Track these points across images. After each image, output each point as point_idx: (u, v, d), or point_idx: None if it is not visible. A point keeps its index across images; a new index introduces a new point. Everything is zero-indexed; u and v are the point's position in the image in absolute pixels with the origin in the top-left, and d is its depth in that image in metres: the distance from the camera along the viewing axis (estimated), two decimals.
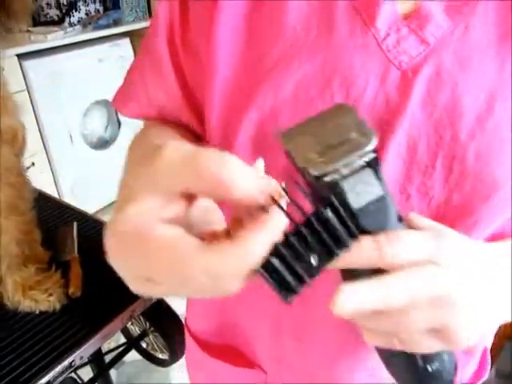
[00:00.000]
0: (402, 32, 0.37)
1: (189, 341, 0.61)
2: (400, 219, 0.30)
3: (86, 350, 0.70)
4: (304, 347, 0.47)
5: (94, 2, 2.17)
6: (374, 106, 0.38)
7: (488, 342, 0.53)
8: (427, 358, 0.33)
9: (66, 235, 0.93)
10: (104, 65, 2.18)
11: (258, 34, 0.41)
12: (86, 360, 0.88)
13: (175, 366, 1.26)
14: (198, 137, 0.51)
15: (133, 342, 1.11)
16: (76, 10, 2.09)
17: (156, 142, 0.44)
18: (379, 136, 0.34)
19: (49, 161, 2.13)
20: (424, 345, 0.31)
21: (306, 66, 0.39)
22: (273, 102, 0.40)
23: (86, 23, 2.10)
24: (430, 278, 0.29)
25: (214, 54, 0.42)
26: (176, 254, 0.24)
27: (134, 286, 0.28)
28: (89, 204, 2.33)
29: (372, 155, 0.27)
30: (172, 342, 0.99)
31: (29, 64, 1.89)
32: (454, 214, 0.37)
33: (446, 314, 0.30)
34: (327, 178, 0.27)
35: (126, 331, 1.15)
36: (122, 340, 1.22)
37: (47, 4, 2.05)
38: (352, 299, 0.26)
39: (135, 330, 1.15)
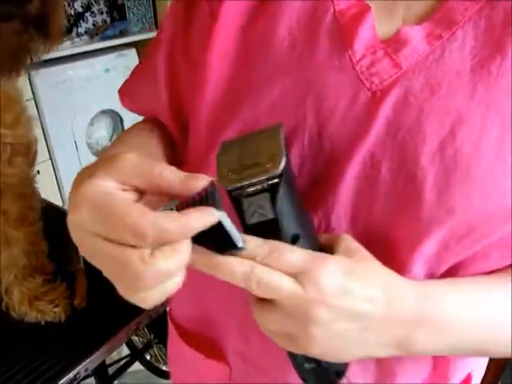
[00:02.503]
0: (378, 55, 0.39)
1: (170, 328, 0.63)
2: (295, 239, 0.34)
3: (90, 363, 0.70)
4: (269, 346, 0.48)
5: (102, 13, 2.19)
6: (343, 124, 0.39)
7: (469, 368, 0.51)
8: (305, 357, 0.37)
9: (71, 245, 0.93)
10: (110, 75, 2.20)
11: (249, 49, 0.43)
12: (90, 372, 0.88)
13: None
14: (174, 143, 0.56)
15: (137, 354, 1.11)
16: (84, 21, 2.12)
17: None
18: (345, 153, 0.39)
19: (54, 169, 2.15)
20: (281, 342, 0.36)
21: (285, 83, 0.41)
22: (252, 116, 0.42)
23: (93, 33, 2.13)
24: (288, 288, 0.32)
25: (207, 68, 0.44)
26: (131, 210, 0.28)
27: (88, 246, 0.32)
28: None
29: (274, 181, 0.32)
30: None
31: (36, 73, 1.91)
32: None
33: (297, 328, 0.34)
34: (234, 193, 0.33)
35: (129, 342, 1.14)
36: (126, 351, 1.22)
37: None
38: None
39: (139, 341, 1.15)
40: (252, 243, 0.33)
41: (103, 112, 2.26)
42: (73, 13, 2.08)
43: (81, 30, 2.12)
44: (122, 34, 2.25)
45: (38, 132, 2.17)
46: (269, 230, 0.33)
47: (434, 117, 0.36)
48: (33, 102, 1.94)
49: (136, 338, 1.14)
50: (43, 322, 0.76)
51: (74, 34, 2.09)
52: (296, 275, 0.32)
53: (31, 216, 0.77)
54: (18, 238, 0.76)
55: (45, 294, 0.78)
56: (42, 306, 0.76)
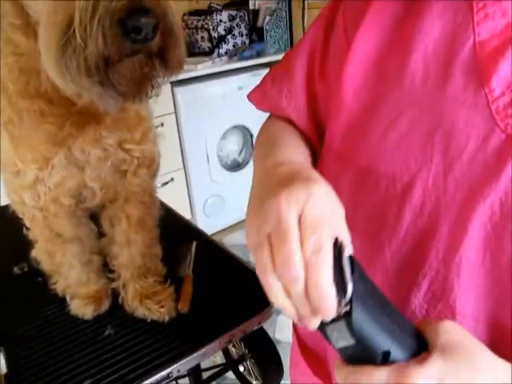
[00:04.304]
0: None
1: (293, 334, 0.66)
2: (386, 355, 0.33)
3: (183, 365, 0.74)
4: None
5: (242, 36, 2.34)
6: (471, 167, 0.36)
7: None
8: None
9: (184, 253, 1.00)
10: (244, 92, 2.32)
11: (382, 79, 0.43)
12: (186, 372, 0.94)
13: None
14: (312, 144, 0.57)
15: (230, 364, 1.15)
16: (225, 43, 2.28)
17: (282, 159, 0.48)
18: (472, 199, 0.36)
19: (186, 177, 2.34)
20: None
21: (414, 117, 0.40)
22: (378, 149, 0.42)
23: (232, 54, 2.28)
24: None
25: (341, 90, 0.46)
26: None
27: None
28: (217, 220, 2.49)
29: (346, 309, 0.32)
30: (265, 371, 1.00)
31: (179, 90, 2.12)
32: None
33: None
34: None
35: (227, 352, 1.19)
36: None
37: (201, 38, 2.28)
38: None
39: (235, 353, 1.19)
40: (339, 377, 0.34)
41: (235, 127, 2.40)
42: (216, 36, 2.26)
43: (222, 51, 2.29)
44: (259, 54, 2.38)
45: (175, 142, 2.38)
46: (356, 352, 0.33)
47: None
48: (174, 115, 2.15)
49: (233, 350, 1.19)
50: (149, 320, 0.83)
51: (215, 54, 2.26)
52: None
53: (150, 222, 0.86)
54: (137, 240, 0.84)
55: (154, 294, 0.85)
56: (150, 304, 0.83)
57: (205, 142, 2.31)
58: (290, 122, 0.58)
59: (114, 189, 0.77)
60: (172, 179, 2.22)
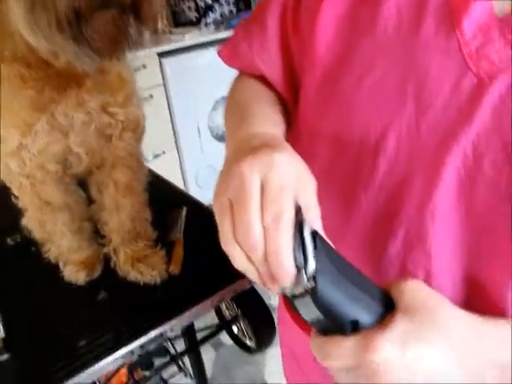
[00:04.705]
0: (491, 34, 0.34)
1: (279, 297, 0.67)
2: (355, 323, 0.33)
3: (176, 324, 0.76)
4: None
5: (229, 4, 2.30)
6: (445, 112, 0.36)
7: None
8: None
9: (175, 218, 1.02)
10: None
11: (355, 27, 0.42)
12: (180, 333, 0.96)
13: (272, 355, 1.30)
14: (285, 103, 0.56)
15: (224, 325, 1.18)
16: (212, 12, 2.25)
17: (255, 131, 0.46)
18: (445, 144, 0.35)
19: (177, 148, 2.34)
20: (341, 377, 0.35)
21: (387, 65, 0.39)
22: (352, 96, 0.41)
23: (219, 23, 2.25)
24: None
25: (314, 43, 0.45)
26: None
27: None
28: (210, 192, 2.48)
29: (310, 284, 0.32)
30: (259, 330, 1.03)
31: (167, 61, 2.09)
32: None
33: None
34: (287, 293, 0.34)
35: (220, 313, 1.22)
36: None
37: (188, 7, 2.24)
38: None
39: (228, 314, 1.22)
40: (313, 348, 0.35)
41: (225, 97, 2.38)
42: (203, 5, 2.22)
43: (209, 20, 2.25)
44: None
45: (164, 114, 2.36)
46: (326, 324, 0.33)
47: None
48: (162, 87, 2.13)
49: (227, 311, 1.22)
50: (141, 283, 0.85)
51: (202, 24, 2.23)
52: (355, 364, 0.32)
53: (137, 187, 0.86)
54: (125, 205, 0.85)
55: (145, 257, 0.86)
56: (142, 268, 0.85)
57: (195, 113, 2.29)
58: (262, 81, 0.56)
59: (99, 154, 0.77)
60: (163, 152, 2.21)
